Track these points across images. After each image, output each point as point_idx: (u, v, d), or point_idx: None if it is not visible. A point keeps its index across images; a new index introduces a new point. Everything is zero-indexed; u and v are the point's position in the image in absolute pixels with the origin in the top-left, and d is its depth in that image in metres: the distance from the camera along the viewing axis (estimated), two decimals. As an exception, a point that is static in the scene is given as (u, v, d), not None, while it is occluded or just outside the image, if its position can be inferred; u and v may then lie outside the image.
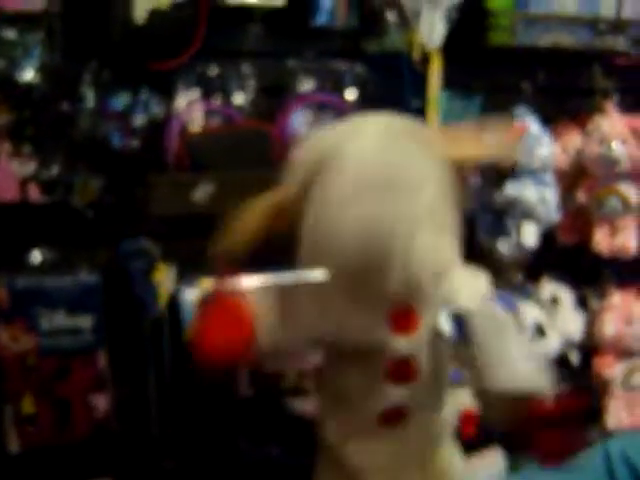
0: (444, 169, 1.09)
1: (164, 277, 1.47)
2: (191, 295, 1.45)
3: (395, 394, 1.15)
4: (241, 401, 1.46)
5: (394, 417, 1.16)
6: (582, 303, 1.85)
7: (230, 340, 1.08)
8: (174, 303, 1.47)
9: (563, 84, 1.86)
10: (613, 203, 1.77)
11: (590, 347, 1.85)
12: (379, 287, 1.07)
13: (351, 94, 1.61)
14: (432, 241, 1.06)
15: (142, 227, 1.48)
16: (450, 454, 1.25)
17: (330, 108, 1.60)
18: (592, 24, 1.71)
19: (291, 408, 1.46)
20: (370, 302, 1.09)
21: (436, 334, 1.12)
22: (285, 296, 1.16)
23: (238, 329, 1.08)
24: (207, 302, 1.16)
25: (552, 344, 1.69)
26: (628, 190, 1.77)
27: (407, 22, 1.56)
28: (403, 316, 1.12)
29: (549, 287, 1.77)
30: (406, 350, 1.13)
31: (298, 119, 1.58)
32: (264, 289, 1.19)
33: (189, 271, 1.49)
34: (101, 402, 1.45)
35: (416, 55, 1.56)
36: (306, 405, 1.44)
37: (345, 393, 1.17)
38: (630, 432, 1.75)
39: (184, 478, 1.49)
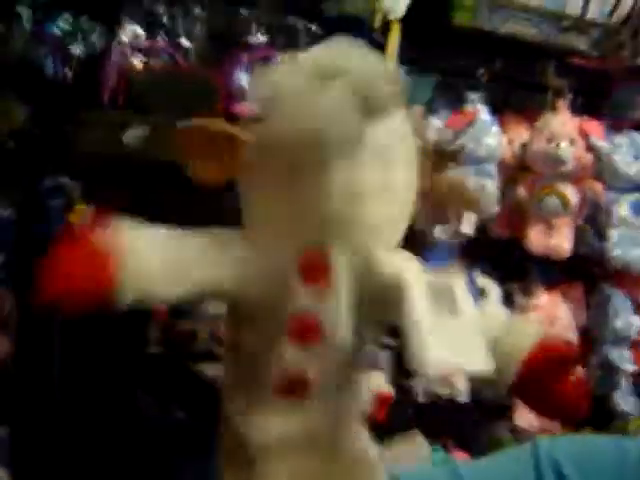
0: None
1: (82, 218, 1.39)
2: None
3: (296, 356, 1.08)
4: (148, 357, 1.40)
5: (296, 387, 1.10)
6: (507, 299, 1.84)
7: (81, 277, 0.95)
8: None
9: (518, 76, 1.84)
10: (552, 202, 1.75)
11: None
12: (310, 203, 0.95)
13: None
14: (381, 184, 0.97)
15: (65, 164, 1.39)
16: (362, 438, 1.20)
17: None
18: (556, 19, 1.68)
19: (201, 373, 1.41)
20: (284, 235, 1.00)
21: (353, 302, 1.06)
22: (171, 241, 1.06)
23: (92, 266, 0.95)
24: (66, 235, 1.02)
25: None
26: (568, 191, 1.76)
27: (370, -14, 1.50)
28: (316, 265, 1.02)
29: (478, 279, 1.75)
30: (312, 306, 1.06)
31: (245, 72, 1.51)
32: (144, 230, 1.07)
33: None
34: (2, 344, 1.37)
35: (377, 22, 1.50)
36: (215, 371, 1.39)
37: (245, 354, 1.09)
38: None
39: (81, 428, 1.42)
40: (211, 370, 1.40)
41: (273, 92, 0.96)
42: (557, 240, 1.76)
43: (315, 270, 1.03)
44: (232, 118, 1.48)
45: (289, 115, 0.94)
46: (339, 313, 1.06)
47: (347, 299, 1.06)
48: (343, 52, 0.99)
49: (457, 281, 1.10)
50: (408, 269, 1.06)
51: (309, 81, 0.94)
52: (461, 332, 1.02)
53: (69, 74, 1.40)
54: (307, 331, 1.06)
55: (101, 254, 0.95)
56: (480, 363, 1.00)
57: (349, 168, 0.95)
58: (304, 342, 1.07)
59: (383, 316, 1.11)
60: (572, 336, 1.85)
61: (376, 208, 1.00)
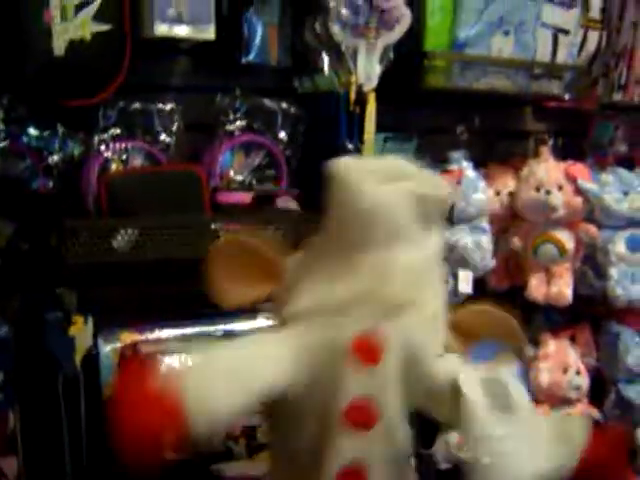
0: None
1: (80, 330, 1.36)
2: (110, 350, 1.36)
3: (354, 445, 1.05)
4: (168, 465, 1.36)
5: (356, 477, 1.07)
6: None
7: (152, 431, 0.93)
8: (91, 359, 1.36)
9: (498, 127, 1.84)
10: (548, 250, 1.74)
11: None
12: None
13: (283, 134, 1.55)
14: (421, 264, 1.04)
15: (57, 276, 1.37)
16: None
17: (261, 148, 1.54)
18: (528, 68, 1.68)
19: (220, 473, 1.37)
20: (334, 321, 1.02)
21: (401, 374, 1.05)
22: (222, 355, 1.05)
23: (161, 416, 0.93)
24: (122, 386, 1.01)
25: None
26: (563, 236, 1.75)
27: (342, 61, 1.50)
28: (370, 347, 1.02)
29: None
30: (366, 390, 1.03)
31: (226, 159, 1.51)
32: (193, 351, 1.07)
33: (108, 324, 1.39)
34: (10, 467, 1.34)
35: (352, 95, 1.50)
36: (234, 470, 1.35)
37: (296, 454, 1.07)
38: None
39: None
40: (230, 470, 1.36)
41: (342, 188, 1.01)
42: (558, 287, 1.74)
43: (369, 352, 1.03)
44: (219, 208, 1.49)
45: (355, 200, 0.99)
46: (392, 395, 1.05)
47: (397, 382, 1.05)
48: (406, 163, 1.08)
49: (507, 373, 1.10)
50: (460, 367, 1.06)
51: (376, 178, 1.01)
52: (520, 432, 1.02)
53: (50, 184, 1.40)
54: (363, 416, 1.05)
55: (164, 393, 0.95)
56: (544, 465, 1.00)
57: (408, 253, 1.01)
58: (360, 429, 1.05)
59: (425, 406, 1.09)
60: (585, 380, 1.84)
61: (428, 294, 1.04)
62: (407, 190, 1.00)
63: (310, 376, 1.03)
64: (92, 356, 1.38)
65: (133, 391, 0.94)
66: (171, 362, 1.31)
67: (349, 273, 1.01)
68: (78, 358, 1.37)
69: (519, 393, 1.09)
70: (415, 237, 1.02)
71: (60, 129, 1.40)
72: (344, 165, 1.04)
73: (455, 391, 1.04)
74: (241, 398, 1.00)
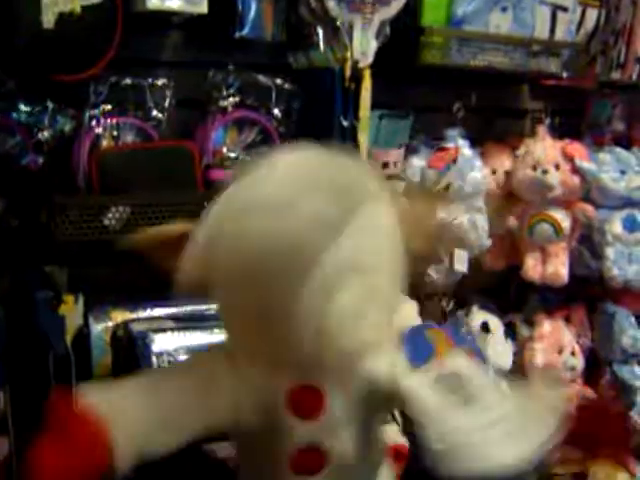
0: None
1: (71, 309, 1.34)
2: (101, 329, 1.35)
3: None
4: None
5: None
6: (510, 330, 1.81)
7: (75, 469, 0.89)
8: (82, 338, 1.35)
9: (494, 105, 1.82)
10: (544, 229, 1.73)
11: (519, 377, 1.81)
12: (283, 344, 0.93)
13: (277, 111, 1.52)
14: (355, 305, 0.92)
15: (47, 254, 1.35)
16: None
17: (254, 125, 1.51)
18: (526, 45, 1.66)
19: (212, 454, 1.35)
20: (269, 369, 0.97)
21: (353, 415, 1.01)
22: (151, 396, 0.99)
23: (84, 452, 0.90)
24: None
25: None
26: (559, 216, 1.73)
27: (338, 37, 1.48)
28: (305, 397, 0.99)
29: (479, 316, 1.72)
30: (312, 438, 1.00)
31: (219, 136, 1.49)
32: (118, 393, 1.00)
33: (99, 303, 1.39)
34: (1, 447, 1.33)
35: (347, 72, 1.48)
36: (227, 450, 1.34)
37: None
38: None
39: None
40: (223, 450, 1.35)
41: (249, 204, 0.91)
42: (554, 267, 1.73)
43: (308, 406, 0.99)
44: (212, 185, 1.46)
45: (269, 227, 0.88)
46: (339, 438, 1.02)
47: (345, 421, 1.02)
48: (315, 160, 0.96)
49: (460, 363, 1.06)
50: (404, 375, 1.02)
51: (287, 193, 0.89)
52: (489, 420, 0.99)
53: (40, 160, 1.37)
54: (308, 463, 1.02)
55: (88, 437, 0.91)
56: (521, 450, 0.97)
57: (330, 293, 0.90)
58: (308, 474, 1.02)
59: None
60: (580, 360, 1.83)
61: (363, 332, 0.95)
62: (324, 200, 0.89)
63: (251, 418, 1.00)
64: (83, 335, 1.37)
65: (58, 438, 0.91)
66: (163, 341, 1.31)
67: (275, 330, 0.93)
68: (69, 337, 1.36)
69: (479, 380, 1.04)
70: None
71: (50, 105, 1.37)
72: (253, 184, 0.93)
73: (404, 399, 1.00)
74: (171, 439, 0.98)
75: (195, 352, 1.13)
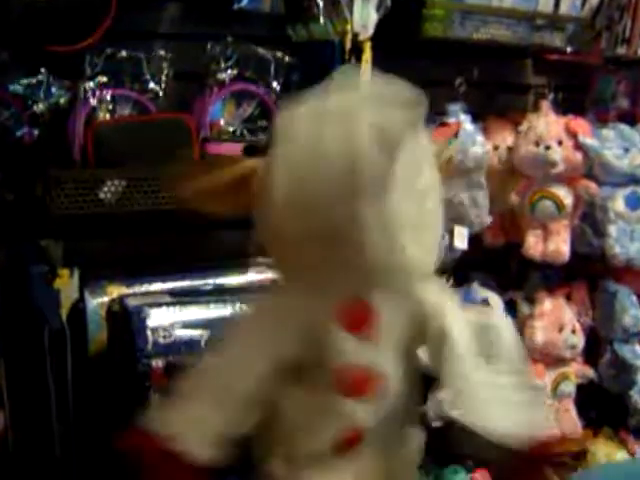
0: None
1: (66, 284, 1.33)
2: (97, 304, 1.34)
3: (350, 411, 1.02)
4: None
5: (352, 443, 1.04)
6: (510, 308, 1.79)
7: None
8: (78, 312, 1.34)
9: (497, 79, 1.79)
10: (546, 206, 1.71)
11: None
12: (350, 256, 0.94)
13: (276, 84, 1.50)
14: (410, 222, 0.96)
15: (42, 227, 1.34)
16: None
17: (253, 98, 1.49)
18: (529, 19, 1.64)
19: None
20: (321, 288, 0.97)
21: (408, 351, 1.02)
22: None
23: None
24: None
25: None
26: (561, 192, 1.71)
27: (338, 9, 1.45)
28: (359, 314, 0.99)
29: (479, 292, 1.70)
30: (360, 358, 1.01)
31: (217, 109, 1.47)
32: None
33: (95, 277, 1.37)
34: (-2, 418, 1.33)
35: (347, 44, 1.45)
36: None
37: (292, 421, 1.05)
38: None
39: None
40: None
41: (292, 140, 0.93)
42: (555, 245, 1.71)
43: (359, 320, 0.99)
44: (208, 159, 1.45)
45: (316, 165, 0.90)
46: (388, 361, 1.02)
47: (394, 345, 1.01)
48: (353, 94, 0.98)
49: (502, 322, 1.07)
50: (450, 312, 1.03)
51: (330, 128, 0.91)
52: (501, 384, 1.00)
53: (35, 133, 1.36)
54: (359, 384, 1.02)
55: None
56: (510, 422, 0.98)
57: (385, 211, 0.93)
58: (357, 395, 1.02)
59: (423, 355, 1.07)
60: (580, 339, 1.82)
61: (414, 248, 0.98)
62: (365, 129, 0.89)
63: (303, 344, 1.00)
64: (78, 309, 1.36)
65: None
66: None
67: (325, 237, 0.94)
68: (64, 312, 1.35)
69: (510, 344, 1.07)
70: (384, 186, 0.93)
71: (45, 76, 1.36)
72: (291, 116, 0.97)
73: (441, 333, 1.02)
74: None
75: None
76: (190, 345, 1.27)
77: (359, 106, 0.92)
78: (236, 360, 1.00)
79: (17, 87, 1.35)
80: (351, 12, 1.45)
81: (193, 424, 0.97)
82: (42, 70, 1.35)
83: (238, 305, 1.34)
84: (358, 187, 0.89)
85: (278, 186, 0.92)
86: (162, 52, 1.44)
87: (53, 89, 1.36)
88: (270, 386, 0.99)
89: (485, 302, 1.70)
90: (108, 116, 1.37)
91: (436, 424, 1.61)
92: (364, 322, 0.99)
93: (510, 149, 1.74)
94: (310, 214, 0.91)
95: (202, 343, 1.28)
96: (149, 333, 1.26)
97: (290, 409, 1.03)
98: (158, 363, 1.24)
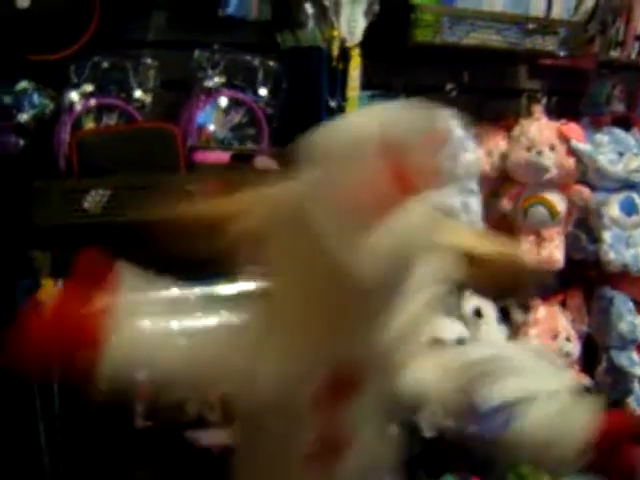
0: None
1: (50, 294, 1.31)
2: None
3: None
4: (139, 433, 1.32)
5: None
6: (504, 316, 1.77)
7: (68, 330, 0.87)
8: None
9: (488, 85, 1.78)
10: (539, 212, 1.69)
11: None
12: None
13: (264, 91, 1.49)
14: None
15: (30, 238, 1.33)
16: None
17: (241, 105, 1.48)
18: (521, 23, 1.62)
19: (195, 441, 1.33)
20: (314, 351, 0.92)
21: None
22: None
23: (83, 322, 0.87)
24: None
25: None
26: (554, 198, 1.69)
27: (325, 15, 1.44)
28: (346, 380, 0.94)
29: (472, 301, 1.68)
30: (339, 424, 0.96)
31: (205, 117, 1.45)
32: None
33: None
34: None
35: (334, 51, 1.44)
36: (210, 438, 1.32)
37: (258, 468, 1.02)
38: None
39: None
40: (205, 437, 1.33)
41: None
42: (548, 251, 1.69)
43: (345, 386, 0.95)
44: (195, 167, 1.43)
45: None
46: (368, 423, 0.99)
47: (374, 408, 0.99)
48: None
49: None
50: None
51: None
52: None
53: (20, 143, 1.35)
54: (327, 455, 0.97)
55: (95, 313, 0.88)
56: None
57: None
58: (328, 464, 0.98)
59: None
60: (576, 346, 1.80)
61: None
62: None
63: (277, 392, 0.94)
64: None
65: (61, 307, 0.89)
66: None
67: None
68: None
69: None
70: None
71: (30, 85, 1.34)
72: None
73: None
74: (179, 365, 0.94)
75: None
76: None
77: None
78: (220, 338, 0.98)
79: (1, 97, 1.34)
80: (338, 18, 1.44)
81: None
82: (26, 79, 1.34)
83: (226, 315, 1.32)
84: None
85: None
86: (149, 60, 1.43)
87: (38, 98, 1.35)
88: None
89: (477, 310, 1.69)
90: (94, 125, 1.37)
91: (429, 435, 1.59)
92: (350, 390, 0.96)
93: (503, 155, 1.73)
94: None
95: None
96: (133, 344, 1.25)
97: (257, 451, 1.01)
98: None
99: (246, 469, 1.02)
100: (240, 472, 1.04)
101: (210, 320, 1.03)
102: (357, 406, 0.96)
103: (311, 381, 0.93)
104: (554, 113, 1.77)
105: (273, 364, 0.92)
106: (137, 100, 1.41)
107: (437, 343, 1.32)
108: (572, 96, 1.90)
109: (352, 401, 0.96)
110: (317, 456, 0.96)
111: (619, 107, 1.93)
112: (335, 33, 1.43)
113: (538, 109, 1.71)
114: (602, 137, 1.76)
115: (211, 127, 1.46)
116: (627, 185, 1.76)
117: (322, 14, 1.45)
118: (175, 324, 0.98)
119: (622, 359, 1.84)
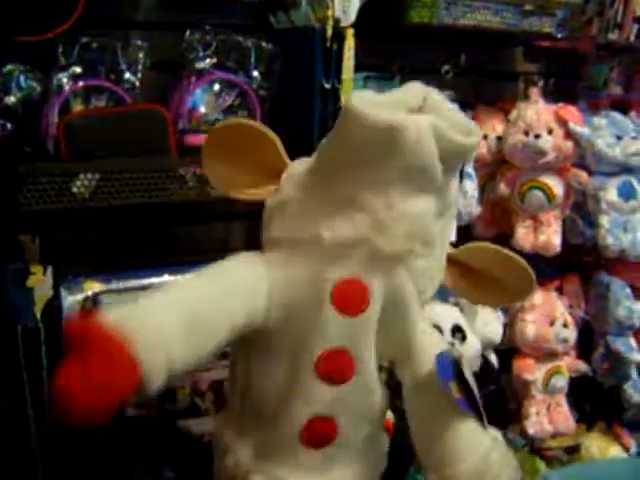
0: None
1: (40, 281, 1.29)
2: (73, 301, 1.30)
3: (324, 396, 1.00)
4: (129, 421, 1.30)
5: (320, 433, 1.01)
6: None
7: (104, 388, 0.84)
8: (52, 310, 1.30)
9: (485, 67, 1.75)
10: (536, 196, 1.67)
11: (510, 349, 1.77)
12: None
13: (256, 72, 1.46)
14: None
15: (18, 223, 1.31)
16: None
17: (233, 87, 1.45)
18: (518, 4, 1.59)
19: (185, 429, 1.31)
20: (319, 262, 0.96)
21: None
22: (184, 297, 0.96)
23: (113, 373, 0.84)
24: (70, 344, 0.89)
25: (472, 347, 1.58)
26: (552, 182, 1.67)
27: (319, -6, 1.41)
28: (353, 296, 0.97)
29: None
30: (345, 340, 0.98)
31: (196, 99, 1.42)
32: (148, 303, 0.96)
33: (69, 273, 1.34)
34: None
35: (328, 31, 1.41)
36: (202, 426, 1.30)
37: (264, 400, 1.02)
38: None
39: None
40: (197, 426, 1.31)
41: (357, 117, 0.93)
42: (546, 236, 1.67)
43: (350, 302, 0.96)
44: (186, 150, 1.41)
45: (370, 128, 0.92)
46: (369, 348, 0.99)
47: (376, 334, 0.99)
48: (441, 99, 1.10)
49: None
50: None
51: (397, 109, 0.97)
52: None
53: (8, 126, 1.32)
54: (339, 370, 1.00)
55: (113, 353, 0.85)
56: None
57: (418, 201, 0.94)
58: (333, 381, 0.99)
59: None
60: (572, 332, 1.78)
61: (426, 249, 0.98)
62: (430, 125, 0.92)
63: (285, 315, 0.98)
64: (53, 307, 1.32)
65: (82, 354, 0.85)
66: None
67: (347, 212, 0.94)
68: (38, 309, 1.31)
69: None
70: (431, 183, 0.94)
71: (16, 67, 1.32)
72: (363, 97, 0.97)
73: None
74: (202, 344, 0.93)
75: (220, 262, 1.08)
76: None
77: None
78: (216, 293, 0.97)
79: (-11, 80, 1.31)
80: (332, -3, 1.41)
81: (153, 328, 0.89)
82: (13, 61, 1.31)
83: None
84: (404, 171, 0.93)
85: None
86: (138, 41, 1.39)
87: (26, 80, 1.32)
88: (239, 334, 0.97)
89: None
90: (82, 108, 1.34)
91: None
92: (360, 306, 0.97)
93: (500, 138, 1.70)
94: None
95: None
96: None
97: (262, 381, 1.01)
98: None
99: (254, 395, 1.03)
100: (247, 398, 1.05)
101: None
102: (361, 329, 0.98)
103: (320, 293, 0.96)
104: (551, 96, 1.74)
105: (282, 271, 0.97)
106: (127, 82, 1.38)
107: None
108: (570, 78, 1.89)
109: (358, 321, 0.98)
110: (329, 377, 0.99)
111: (617, 90, 1.91)
112: (329, 13, 1.40)
113: (535, 91, 1.69)
114: (600, 120, 1.73)
115: (202, 109, 1.42)
116: (625, 169, 1.73)
117: (316, -6, 1.42)
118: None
119: (619, 345, 1.82)
